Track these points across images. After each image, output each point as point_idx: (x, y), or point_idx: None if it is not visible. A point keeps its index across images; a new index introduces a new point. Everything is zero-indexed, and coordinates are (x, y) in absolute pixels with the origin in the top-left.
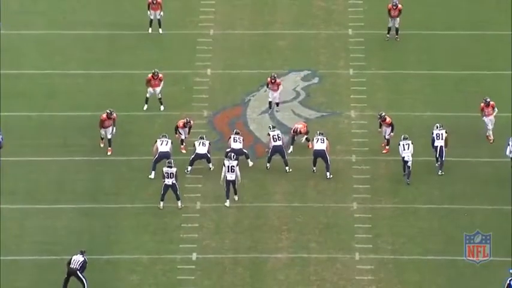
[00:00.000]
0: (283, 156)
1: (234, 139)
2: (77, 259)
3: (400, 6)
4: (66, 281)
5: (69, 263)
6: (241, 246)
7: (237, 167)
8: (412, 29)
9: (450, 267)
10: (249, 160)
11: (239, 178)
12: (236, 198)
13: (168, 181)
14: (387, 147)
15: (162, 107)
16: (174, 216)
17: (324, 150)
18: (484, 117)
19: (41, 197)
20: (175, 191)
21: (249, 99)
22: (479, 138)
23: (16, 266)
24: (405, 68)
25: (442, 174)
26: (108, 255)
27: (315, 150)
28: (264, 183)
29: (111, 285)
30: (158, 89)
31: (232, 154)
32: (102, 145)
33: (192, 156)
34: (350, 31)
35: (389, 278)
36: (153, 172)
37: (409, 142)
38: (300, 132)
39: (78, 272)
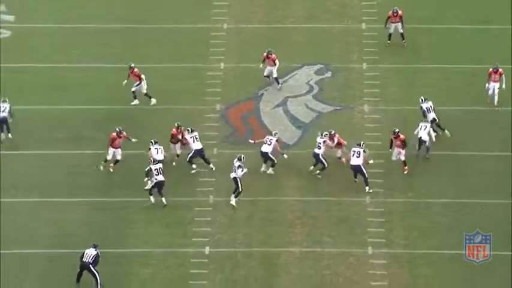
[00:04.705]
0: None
1: (267, 141)
2: (90, 253)
3: (400, 12)
4: (79, 275)
5: (82, 256)
6: (254, 240)
7: (244, 170)
8: (425, 23)
9: (463, 261)
10: (284, 155)
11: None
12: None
13: (161, 177)
14: (406, 167)
15: (152, 101)
16: (187, 210)
17: (360, 165)
18: (489, 83)
19: (53, 191)
20: (162, 188)
21: (262, 93)
22: (493, 132)
23: (29, 259)
24: (418, 62)
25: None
26: (120, 249)
27: (351, 165)
28: (276, 177)
29: (124, 278)
30: (141, 84)
31: (242, 155)
32: (101, 168)
33: (190, 155)
34: (363, 25)
35: (402, 273)
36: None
37: (428, 125)
38: (340, 144)
39: (90, 266)
